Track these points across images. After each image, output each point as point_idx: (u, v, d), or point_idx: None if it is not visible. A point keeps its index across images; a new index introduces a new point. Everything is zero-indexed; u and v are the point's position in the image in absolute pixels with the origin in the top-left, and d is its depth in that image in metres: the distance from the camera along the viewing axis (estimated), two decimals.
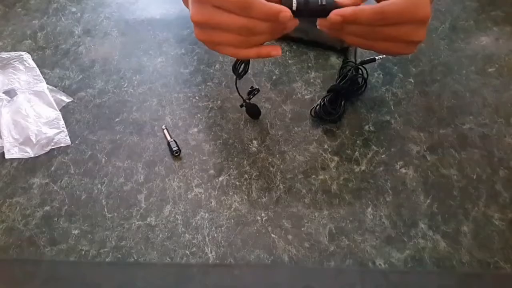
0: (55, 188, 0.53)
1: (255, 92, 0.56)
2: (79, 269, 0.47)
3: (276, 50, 0.43)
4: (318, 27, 0.43)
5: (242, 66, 0.53)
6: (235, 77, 0.53)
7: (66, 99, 0.62)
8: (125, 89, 0.63)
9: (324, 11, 0.40)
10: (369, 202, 0.51)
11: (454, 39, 0.66)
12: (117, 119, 0.60)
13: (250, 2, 0.38)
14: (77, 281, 0.46)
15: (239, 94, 0.55)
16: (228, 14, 0.40)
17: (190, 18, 0.42)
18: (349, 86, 0.58)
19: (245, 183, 0.53)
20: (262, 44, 0.43)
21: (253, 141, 0.57)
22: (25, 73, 0.64)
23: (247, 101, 0.56)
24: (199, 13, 0.41)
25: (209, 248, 0.48)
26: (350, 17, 0.40)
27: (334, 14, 0.40)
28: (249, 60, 0.52)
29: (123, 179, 0.54)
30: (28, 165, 0.55)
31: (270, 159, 0.55)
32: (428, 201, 0.50)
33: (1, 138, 0.57)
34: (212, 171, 0.54)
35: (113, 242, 0.49)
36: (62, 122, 0.59)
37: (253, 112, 0.58)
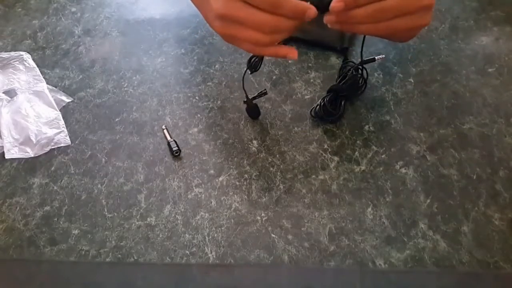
0: (55, 188, 0.53)
1: (262, 94, 0.56)
2: (79, 269, 0.47)
3: (293, 53, 0.43)
4: (325, 21, 0.43)
5: (257, 60, 0.52)
6: (245, 70, 0.53)
7: (66, 99, 0.62)
8: (125, 89, 0.63)
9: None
10: (369, 202, 0.51)
11: (454, 39, 0.66)
12: (117, 119, 0.60)
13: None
14: (77, 281, 0.46)
15: (244, 89, 0.55)
16: (255, 10, 0.40)
17: (215, 11, 0.41)
18: (349, 86, 0.58)
19: (245, 183, 0.53)
20: (279, 42, 0.43)
21: (253, 141, 0.57)
22: (25, 73, 0.64)
23: (250, 98, 0.56)
24: (226, 7, 0.40)
25: (209, 248, 0.48)
26: (350, 0, 0.40)
27: (335, 2, 0.40)
28: (263, 57, 0.51)
29: (123, 179, 0.54)
30: (28, 165, 0.55)
31: (270, 159, 0.55)
32: (428, 201, 0.50)
33: (1, 138, 0.57)
34: (212, 171, 0.54)
35: (113, 242, 0.49)
36: (62, 122, 0.59)
37: (253, 112, 0.58)
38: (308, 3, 0.40)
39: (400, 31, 0.43)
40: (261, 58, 0.52)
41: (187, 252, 0.48)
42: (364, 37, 0.57)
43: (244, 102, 0.57)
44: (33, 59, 0.66)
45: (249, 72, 0.52)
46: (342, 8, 0.40)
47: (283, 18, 0.40)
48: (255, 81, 0.63)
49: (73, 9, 0.75)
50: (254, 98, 0.57)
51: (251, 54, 0.51)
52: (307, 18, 0.40)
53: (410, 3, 0.41)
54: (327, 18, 0.42)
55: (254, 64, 0.52)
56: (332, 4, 0.40)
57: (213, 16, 0.43)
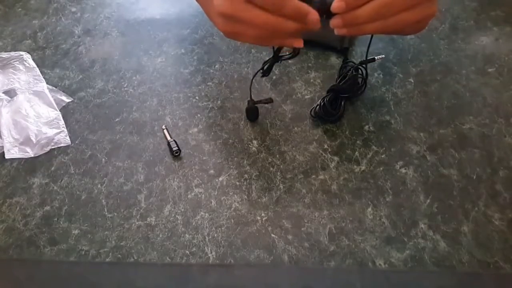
0: (55, 188, 0.53)
1: (268, 102, 0.57)
2: (79, 269, 0.47)
3: (298, 42, 0.43)
4: (331, 26, 0.42)
5: (269, 66, 0.52)
6: (256, 72, 0.53)
7: (66, 99, 0.62)
8: (125, 89, 0.63)
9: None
10: (369, 202, 0.51)
11: (454, 39, 0.66)
12: (117, 119, 0.60)
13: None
14: (77, 281, 0.46)
15: (250, 90, 0.55)
16: (257, 9, 0.40)
17: (217, 8, 0.41)
18: (349, 86, 0.58)
19: (245, 183, 0.53)
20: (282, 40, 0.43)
21: (253, 141, 0.57)
22: (25, 73, 0.64)
23: (254, 101, 0.56)
24: (228, 6, 0.41)
25: (209, 248, 0.48)
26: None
27: (336, 2, 0.39)
28: (273, 62, 0.52)
29: (123, 179, 0.54)
30: (28, 165, 0.55)
31: (270, 159, 0.55)
32: (428, 201, 0.50)
33: (1, 138, 0.57)
34: (212, 171, 0.54)
35: (113, 242, 0.49)
36: (62, 122, 0.59)
37: (252, 114, 0.58)
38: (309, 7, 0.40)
39: (408, 24, 0.43)
40: (271, 65, 0.52)
41: (187, 252, 0.48)
42: (372, 36, 0.57)
43: (248, 102, 0.57)
44: (33, 59, 0.66)
45: (261, 75, 0.52)
46: (344, 9, 0.40)
47: (285, 19, 0.40)
48: (255, 81, 0.63)
49: (73, 9, 0.75)
50: (258, 102, 0.57)
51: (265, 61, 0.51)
52: (310, 24, 0.40)
53: None
54: (334, 22, 0.41)
55: (267, 69, 0.52)
56: (334, 5, 0.40)
57: (215, 14, 0.43)
